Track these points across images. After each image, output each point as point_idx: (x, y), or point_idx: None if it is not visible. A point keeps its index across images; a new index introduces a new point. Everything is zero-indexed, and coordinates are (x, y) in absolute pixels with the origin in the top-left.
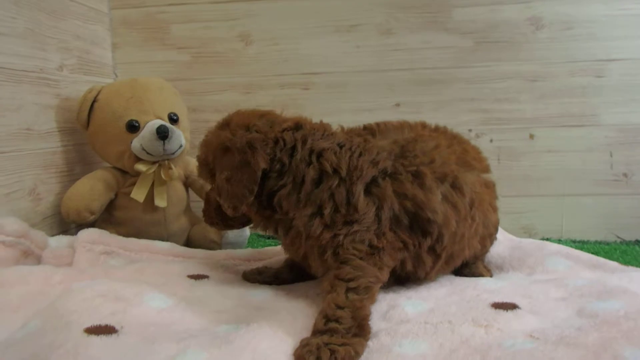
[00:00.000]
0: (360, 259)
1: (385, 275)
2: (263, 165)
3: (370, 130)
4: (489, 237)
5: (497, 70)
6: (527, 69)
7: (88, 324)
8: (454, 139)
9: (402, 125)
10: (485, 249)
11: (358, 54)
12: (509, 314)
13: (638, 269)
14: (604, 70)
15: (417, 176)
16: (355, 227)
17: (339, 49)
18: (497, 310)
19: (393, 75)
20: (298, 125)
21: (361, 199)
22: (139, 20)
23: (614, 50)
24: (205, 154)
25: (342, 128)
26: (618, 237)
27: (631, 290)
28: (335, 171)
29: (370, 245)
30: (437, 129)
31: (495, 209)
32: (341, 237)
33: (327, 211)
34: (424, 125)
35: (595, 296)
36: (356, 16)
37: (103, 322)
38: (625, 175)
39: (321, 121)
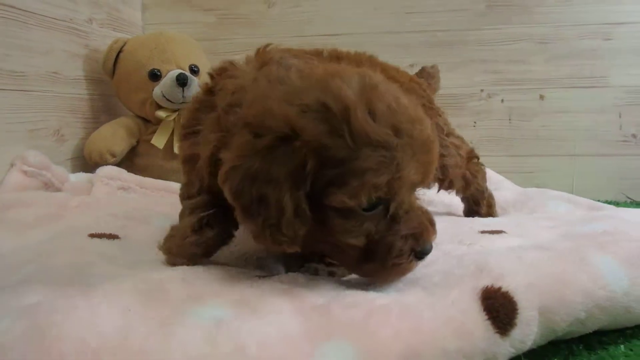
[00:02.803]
0: None
1: None
2: None
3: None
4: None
5: (509, 33)
6: (537, 31)
7: (94, 231)
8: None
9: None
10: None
11: (376, 16)
12: (494, 236)
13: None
14: (612, 33)
15: None
16: None
17: (357, 11)
18: (484, 234)
19: (409, 37)
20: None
21: None
22: None
23: (623, 14)
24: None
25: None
26: (628, 198)
27: (619, 216)
28: None
29: None
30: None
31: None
32: None
33: None
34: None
35: (581, 224)
36: None
37: (108, 232)
38: (634, 136)
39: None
